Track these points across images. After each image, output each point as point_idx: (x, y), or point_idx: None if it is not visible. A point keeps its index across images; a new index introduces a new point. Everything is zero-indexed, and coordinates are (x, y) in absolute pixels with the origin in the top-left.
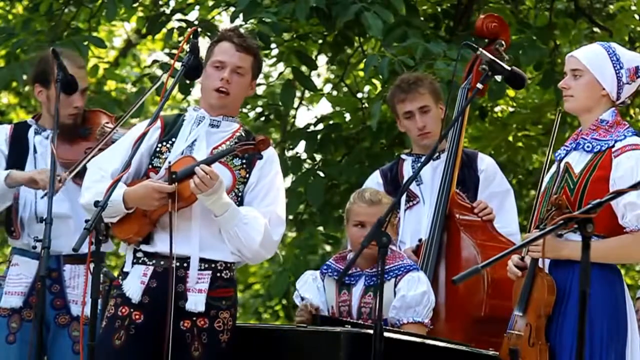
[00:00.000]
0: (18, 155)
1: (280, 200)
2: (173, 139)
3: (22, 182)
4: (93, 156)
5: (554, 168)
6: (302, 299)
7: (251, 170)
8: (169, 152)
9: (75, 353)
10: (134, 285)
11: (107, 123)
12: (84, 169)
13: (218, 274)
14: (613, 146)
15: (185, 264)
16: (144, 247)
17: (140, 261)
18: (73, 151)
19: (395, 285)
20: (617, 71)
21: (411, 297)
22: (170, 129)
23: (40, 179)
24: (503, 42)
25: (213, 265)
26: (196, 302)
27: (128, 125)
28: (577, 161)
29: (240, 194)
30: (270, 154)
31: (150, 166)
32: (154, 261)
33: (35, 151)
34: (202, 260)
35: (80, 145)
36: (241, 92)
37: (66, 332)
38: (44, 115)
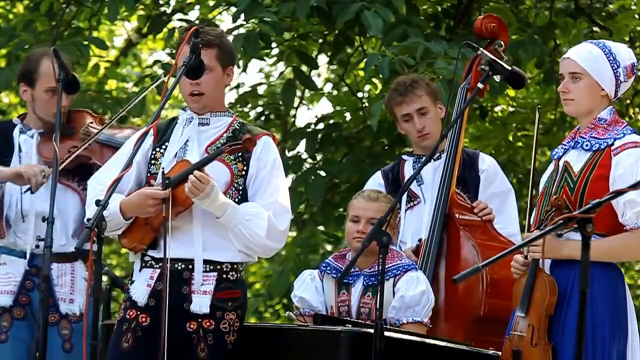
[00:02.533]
0: (3, 153)
1: (281, 188)
2: (166, 144)
3: (8, 177)
4: (78, 155)
5: (551, 167)
6: (300, 306)
7: (248, 162)
8: (163, 157)
9: (65, 351)
10: (141, 288)
11: (92, 123)
12: (71, 167)
13: (224, 276)
14: (612, 144)
15: (190, 266)
16: (151, 253)
17: (148, 265)
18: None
19: (394, 285)
20: (615, 71)
21: (410, 297)
22: (163, 134)
23: (24, 172)
24: (502, 43)
25: (219, 267)
26: (200, 303)
27: (116, 126)
28: (576, 160)
29: (240, 188)
30: (265, 143)
31: (148, 174)
32: (160, 264)
33: (20, 150)
34: (207, 261)
35: (65, 144)
36: (215, 86)
37: (55, 331)
38: (30, 115)
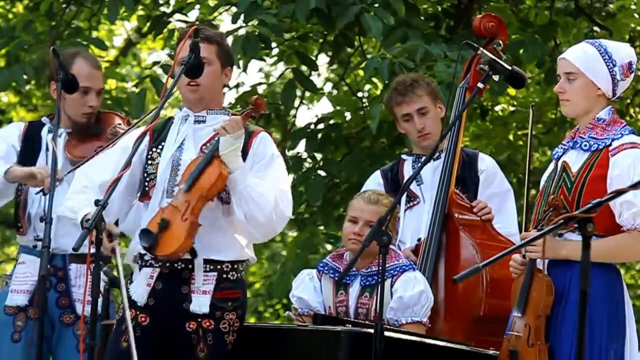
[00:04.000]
0: (30, 152)
1: (282, 178)
2: (162, 144)
3: (21, 177)
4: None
5: (551, 167)
6: (299, 306)
7: (245, 157)
8: (160, 156)
9: (79, 351)
10: (140, 288)
11: (120, 124)
12: None
13: (224, 275)
14: (610, 145)
15: (190, 266)
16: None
17: (147, 264)
18: (84, 149)
19: (392, 286)
20: (611, 69)
21: (409, 298)
22: (159, 134)
23: (39, 173)
24: (501, 42)
25: (219, 267)
26: (200, 303)
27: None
28: (575, 160)
29: None
30: (263, 138)
31: (145, 174)
32: (160, 263)
33: (47, 149)
34: (207, 261)
35: (92, 144)
36: (212, 81)
37: (71, 331)
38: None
